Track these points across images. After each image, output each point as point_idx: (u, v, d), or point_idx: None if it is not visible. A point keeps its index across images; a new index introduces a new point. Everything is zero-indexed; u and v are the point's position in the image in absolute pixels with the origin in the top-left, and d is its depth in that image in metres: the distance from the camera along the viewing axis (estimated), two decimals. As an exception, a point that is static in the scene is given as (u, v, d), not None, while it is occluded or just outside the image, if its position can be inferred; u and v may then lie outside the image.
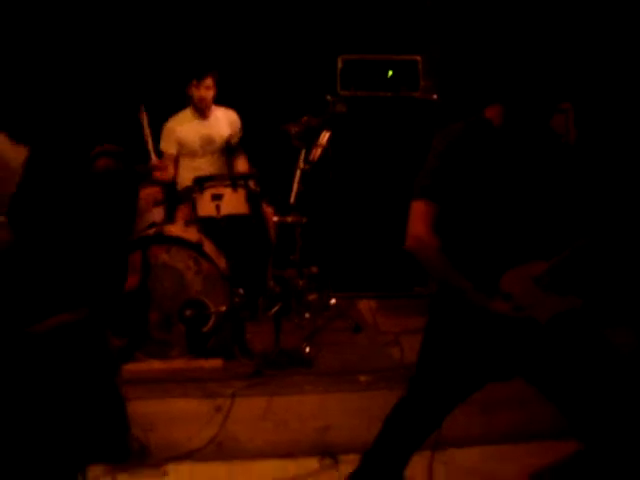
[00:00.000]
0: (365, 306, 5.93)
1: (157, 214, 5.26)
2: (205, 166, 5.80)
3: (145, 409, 4.07)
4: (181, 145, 5.78)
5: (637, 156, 5.42)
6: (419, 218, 2.79)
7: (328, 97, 5.93)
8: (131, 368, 4.46)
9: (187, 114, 5.81)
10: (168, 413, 4.14)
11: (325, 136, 5.41)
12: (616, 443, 2.69)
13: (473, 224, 2.82)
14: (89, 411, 3.62)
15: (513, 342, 2.74)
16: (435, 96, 6.08)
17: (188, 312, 4.62)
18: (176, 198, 5.61)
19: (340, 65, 6.08)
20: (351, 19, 6.49)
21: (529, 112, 2.79)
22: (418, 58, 6.09)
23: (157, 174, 5.38)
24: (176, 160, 5.80)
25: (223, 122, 5.87)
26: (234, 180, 5.11)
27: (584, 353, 2.71)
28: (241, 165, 5.85)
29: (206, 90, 5.64)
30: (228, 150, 5.85)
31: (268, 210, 5.43)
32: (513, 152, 2.82)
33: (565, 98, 4.65)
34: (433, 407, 2.98)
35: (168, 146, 5.76)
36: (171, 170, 5.74)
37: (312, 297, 5.49)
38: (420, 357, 3.01)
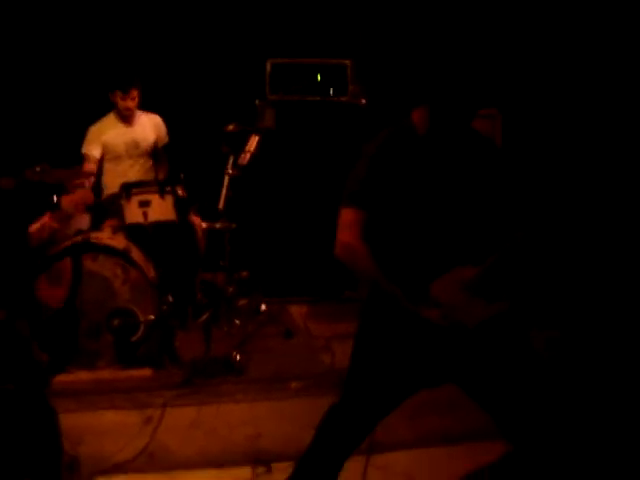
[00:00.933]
0: (296, 311, 5.94)
1: (83, 221, 5.16)
2: (131, 171, 5.73)
3: (74, 422, 3.98)
4: (106, 150, 5.68)
5: (562, 162, 5.55)
6: (347, 226, 2.79)
7: (257, 101, 5.91)
8: (58, 379, 4.37)
9: (111, 119, 5.72)
10: (97, 425, 4.06)
11: (254, 141, 5.38)
12: (540, 443, 2.74)
13: (401, 230, 2.82)
14: (17, 427, 3.55)
15: (443, 348, 2.76)
16: (363, 100, 6.09)
17: (116, 321, 4.54)
18: (102, 205, 5.51)
19: (269, 69, 6.06)
20: (280, 23, 6.45)
21: (452, 115, 2.79)
22: (347, 62, 6.10)
23: (84, 182, 5.28)
24: (99, 163, 5.70)
25: (148, 127, 5.81)
26: (162, 186, 5.05)
27: (509, 358, 2.75)
28: (161, 172, 5.79)
29: (132, 100, 5.59)
30: (154, 155, 5.78)
31: (196, 218, 5.38)
32: (438, 156, 2.83)
33: (492, 104, 4.75)
34: (366, 413, 2.97)
35: (92, 148, 5.64)
36: (93, 171, 5.64)
37: (242, 303, 5.47)
38: (351, 363, 3.00)
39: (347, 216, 2.80)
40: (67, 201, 3.72)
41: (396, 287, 2.74)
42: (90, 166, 5.58)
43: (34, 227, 3.78)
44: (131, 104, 5.60)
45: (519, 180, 2.97)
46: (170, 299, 4.84)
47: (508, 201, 2.91)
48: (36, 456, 3.75)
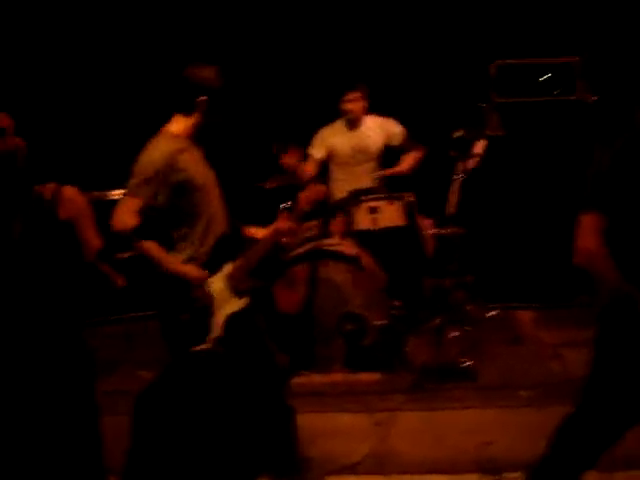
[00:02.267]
0: (524, 317, 5.82)
1: (309, 229, 5.32)
2: (359, 177, 5.83)
3: (305, 422, 4.11)
4: (333, 155, 5.84)
5: None
6: (589, 232, 2.70)
7: (482, 105, 5.85)
8: (292, 381, 4.54)
9: (339, 125, 5.87)
10: (328, 427, 4.20)
11: (481, 145, 5.32)
12: None
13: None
14: (259, 424, 3.72)
15: None
16: (593, 98, 5.88)
17: (347, 326, 4.66)
18: (330, 210, 5.67)
19: (494, 71, 5.98)
20: (504, 25, 6.35)
21: None
22: (575, 60, 5.91)
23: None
24: (320, 166, 5.86)
25: (375, 131, 5.87)
26: (391, 193, 5.13)
27: None
28: (411, 158, 5.79)
29: (354, 103, 5.69)
30: (399, 150, 5.83)
31: (425, 222, 5.40)
32: None
33: None
34: (607, 425, 2.85)
35: (316, 151, 5.82)
36: (311, 171, 5.80)
37: (470, 308, 5.42)
38: (592, 370, 2.87)
39: (589, 222, 2.70)
40: (302, 198, 3.81)
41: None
42: (310, 166, 5.77)
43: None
44: (354, 107, 5.70)
45: None
46: (399, 304, 4.90)
47: None
48: (274, 453, 3.92)
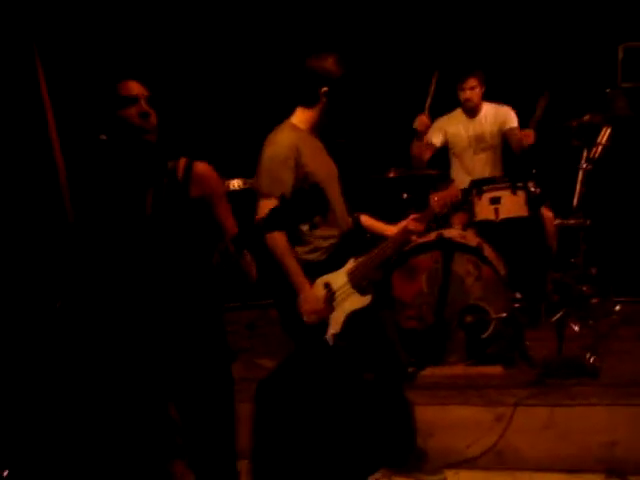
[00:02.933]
0: (652, 312, 5.62)
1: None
2: (478, 165, 5.79)
3: (424, 415, 4.13)
4: (451, 143, 5.83)
5: None
6: None
7: (608, 90, 5.66)
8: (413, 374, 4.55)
9: (457, 114, 5.87)
10: (447, 420, 4.18)
11: (606, 133, 5.15)
12: None
13: None
14: (377, 416, 3.73)
15: None
16: None
17: (468, 318, 4.62)
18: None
19: (621, 55, 5.78)
20: (633, 7, 6.13)
21: None
22: None
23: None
24: (434, 150, 5.83)
25: (490, 119, 5.78)
26: (514, 183, 5.03)
27: None
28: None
29: (471, 91, 5.64)
30: (508, 138, 5.73)
31: (548, 214, 5.28)
32: None
33: None
34: None
35: (433, 136, 5.80)
36: (427, 155, 5.76)
37: (594, 301, 5.27)
38: None
39: None
40: (436, 199, 3.74)
41: None
42: (428, 152, 5.75)
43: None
44: (471, 95, 5.66)
45: None
46: (521, 296, 4.82)
47: None
48: (392, 446, 3.93)
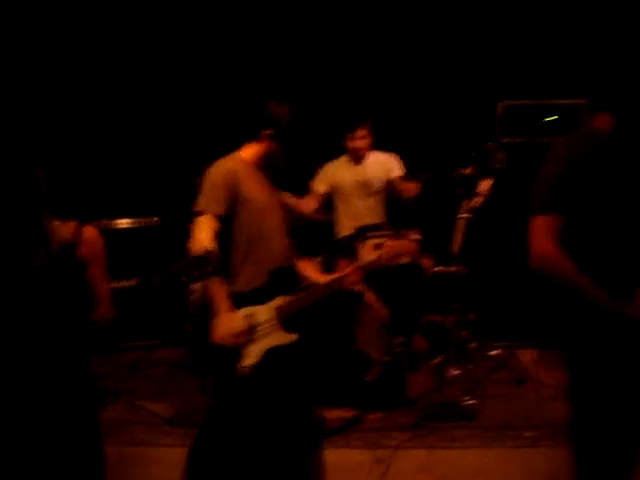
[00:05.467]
0: (526, 357, 5.81)
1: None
2: (363, 211, 5.83)
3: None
4: (336, 189, 5.85)
5: None
6: (543, 233, 2.66)
7: (487, 144, 5.89)
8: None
9: (343, 160, 5.88)
10: (329, 462, 4.16)
11: (486, 184, 5.33)
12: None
13: (598, 233, 2.64)
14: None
15: None
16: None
17: (351, 362, 4.65)
18: (335, 247, 5.67)
19: (500, 111, 6.02)
20: (512, 66, 6.42)
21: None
22: (581, 102, 5.94)
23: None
24: (322, 199, 5.87)
25: (377, 166, 5.87)
26: (397, 230, 5.13)
27: None
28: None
29: (360, 140, 5.71)
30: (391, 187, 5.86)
31: (428, 262, 5.41)
32: (626, 159, 2.65)
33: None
34: (611, 462, 2.70)
35: (318, 185, 5.85)
36: (312, 205, 5.83)
37: (472, 346, 5.41)
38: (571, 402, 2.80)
39: (541, 223, 2.66)
40: (389, 244, 3.73)
41: (602, 290, 2.57)
42: (312, 200, 5.80)
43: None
44: (359, 144, 5.71)
45: None
46: (402, 340, 4.90)
47: None
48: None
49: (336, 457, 4.17)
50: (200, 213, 3.47)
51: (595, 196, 2.63)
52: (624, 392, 2.65)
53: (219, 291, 3.42)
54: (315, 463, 3.69)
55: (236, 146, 3.71)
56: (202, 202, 3.50)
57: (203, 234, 3.37)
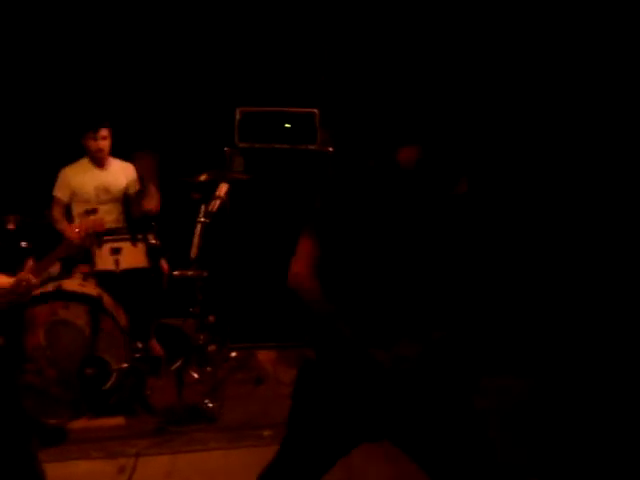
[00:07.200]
0: (265, 357, 5.96)
1: (53, 267, 5.13)
2: (102, 215, 5.70)
3: (47, 473, 3.95)
4: (75, 193, 5.65)
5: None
6: (300, 255, 2.70)
7: (226, 149, 5.97)
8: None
9: (83, 163, 5.70)
10: (70, 476, 4.04)
11: (223, 188, 5.38)
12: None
13: (354, 268, 2.71)
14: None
15: (383, 399, 2.59)
16: (330, 148, 6.20)
17: (89, 370, 4.52)
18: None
19: (238, 117, 6.13)
20: (250, 72, 6.55)
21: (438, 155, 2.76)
22: (315, 111, 6.19)
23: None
24: (67, 207, 5.69)
25: (120, 173, 5.79)
26: (133, 234, 5.08)
27: (449, 417, 2.63)
28: (150, 204, 5.73)
29: (102, 140, 5.59)
30: (129, 200, 5.78)
31: (164, 265, 5.40)
32: (392, 199, 2.74)
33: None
34: (303, 471, 2.76)
35: (61, 193, 5.64)
36: (58, 216, 5.64)
37: (211, 348, 5.45)
38: (289, 416, 2.81)
39: (301, 246, 2.72)
40: (77, 230, 3.66)
41: (345, 325, 2.60)
42: (57, 210, 5.60)
43: None
44: (102, 144, 5.58)
45: (483, 247, 2.91)
46: (142, 346, 4.85)
47: (467, 265, 2.77)
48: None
49: (77, 468, 4.07)
50: None
51: (355, 228, 2.69)
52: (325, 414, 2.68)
53: None
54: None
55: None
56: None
57: None
